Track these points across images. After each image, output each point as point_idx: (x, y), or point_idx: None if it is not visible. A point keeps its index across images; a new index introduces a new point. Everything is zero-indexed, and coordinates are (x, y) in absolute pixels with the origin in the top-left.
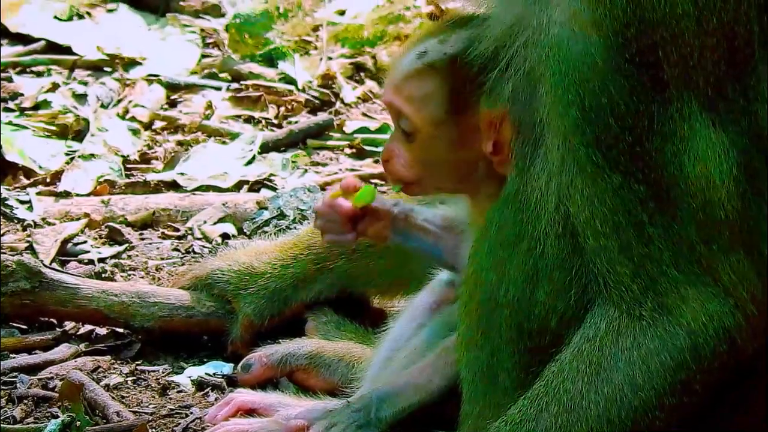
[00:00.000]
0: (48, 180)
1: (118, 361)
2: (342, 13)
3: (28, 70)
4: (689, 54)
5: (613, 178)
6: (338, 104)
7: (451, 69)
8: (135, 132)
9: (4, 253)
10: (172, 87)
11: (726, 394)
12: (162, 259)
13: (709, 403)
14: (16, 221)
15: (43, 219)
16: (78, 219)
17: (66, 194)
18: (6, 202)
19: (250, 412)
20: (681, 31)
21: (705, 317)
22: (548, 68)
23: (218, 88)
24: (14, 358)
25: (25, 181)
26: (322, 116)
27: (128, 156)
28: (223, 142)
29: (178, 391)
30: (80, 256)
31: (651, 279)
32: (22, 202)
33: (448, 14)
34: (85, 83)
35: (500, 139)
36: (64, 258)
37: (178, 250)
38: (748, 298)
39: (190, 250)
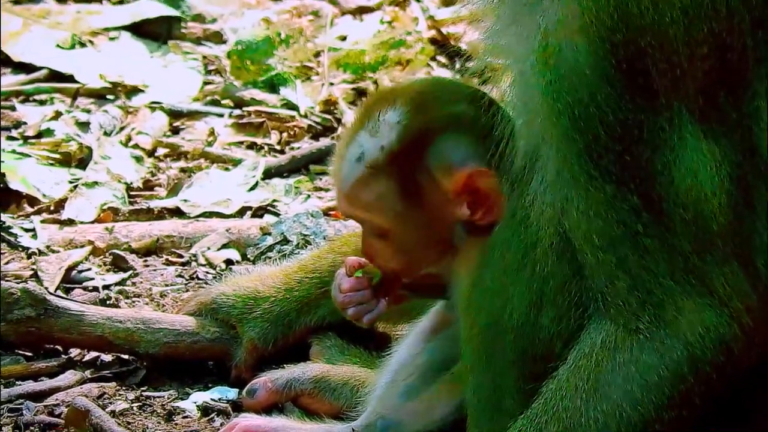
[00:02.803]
0: (52, 208)
1: (124, 388)
2: (343, 38)
3: (30, 98)
4: (678, 63)
5: (606, 188)
6: (340, 129)
7: (392, 163)
8: (138, 159)
9: (9, 281)
10: (174, 114)
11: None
12: (166, 285)
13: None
14: (20, 249)
15: (48, 247)
16: (82, 246)
17: (70, 222)
18: (10, 230)
19: None
20: (669, 39)
21: (702, 329)
22: (539, 76)
23: (220, 115)
24: (20, 385)
25: (29, 209)
26: (324, 141)
27: (131, 183)
28: (226, 169)
29: (184, 417)
30: (85, 284)
31: (648, 291)
32: (26, 230)
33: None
34: (88, 111)
35: (474, 197)
36: (68, 285)
37: (182, 277)
38: (743, 309)
39: (194, 276)
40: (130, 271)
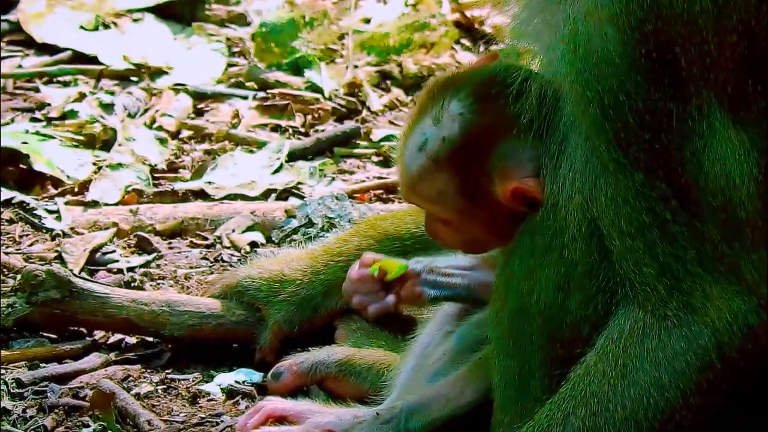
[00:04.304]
0: (76, 190)
1: (148, 370)
2: (367, 21)
3: (54, 80)
4: (708, 51)
5: (635, 176)
6: (365, 112)
7: (453, 158)
8: (162, 141)
9: (34, 263)
10: (198, 96)
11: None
12: (191, 267)
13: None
14: (44, 231)
15: (72, 228)
16: (106, 228)
17: (94, 204)
18: (34, 212)
19: (280, 419)
20: (699, 28)
21: (730, 316)
22: (568, 65)
23: (245, 97)
24: (45, 367)
25: (53, 191)
26: (348, 124)
27: (156, 165)
28: (251, 151)
29: (209, 400)
30: (109, 266)
31: (676, 278)
32: (50, 212)
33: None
34: (112, 93)
35: (530, 200)
36: (93, 267)
37: (207, 259)
38: None
39: (219, 258)
40: (155, 254)
